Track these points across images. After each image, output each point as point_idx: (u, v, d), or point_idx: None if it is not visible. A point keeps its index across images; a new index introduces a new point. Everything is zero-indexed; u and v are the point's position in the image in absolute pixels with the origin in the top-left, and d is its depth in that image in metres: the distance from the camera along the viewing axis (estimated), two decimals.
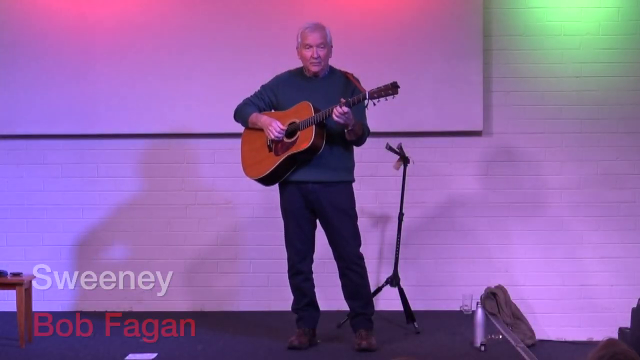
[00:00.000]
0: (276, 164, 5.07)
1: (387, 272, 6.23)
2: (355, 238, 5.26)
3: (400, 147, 6.09)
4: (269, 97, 5.26)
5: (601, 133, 6.74)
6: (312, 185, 5.12)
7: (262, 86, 5.33)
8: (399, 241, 6.09)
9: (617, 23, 6.71)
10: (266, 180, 5.22)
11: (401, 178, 6.12)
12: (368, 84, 6.67)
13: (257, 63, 6.45)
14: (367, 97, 4.88)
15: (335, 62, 6.38)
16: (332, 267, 6.44)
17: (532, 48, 6.71)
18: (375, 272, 6.65)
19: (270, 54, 6.43)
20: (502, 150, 6.74)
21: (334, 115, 4.85)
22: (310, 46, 5.11)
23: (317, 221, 5.29)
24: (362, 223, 6.68)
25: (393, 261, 6.08)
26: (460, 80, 6.62)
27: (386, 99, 4.88)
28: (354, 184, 5.34)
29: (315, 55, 5.10)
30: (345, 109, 4.84)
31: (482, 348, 5.33)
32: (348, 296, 5.33)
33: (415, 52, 6.64)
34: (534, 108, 6.74)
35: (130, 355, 5.20)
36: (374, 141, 6.56)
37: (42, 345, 5.51)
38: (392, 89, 4.83)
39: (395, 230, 6.14)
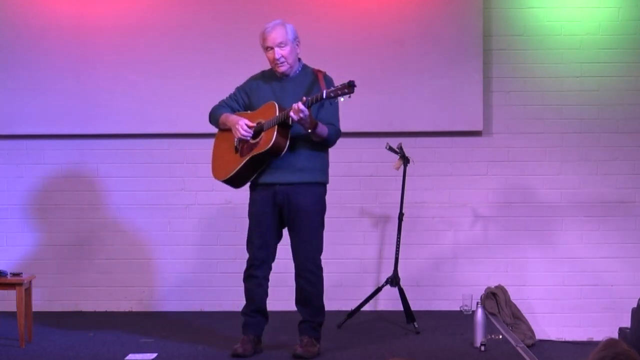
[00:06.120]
0: (240, 166, 5.01)
1: (387, 272, 6.23)
2: (313, 244, 5.08)
3: (400, 147, 6.10)
4: (242, 99, 5.23)
5: (601, 133, 6.74)
6: (279, 187, 5.03)
7: (237, 88, 5.30)
8: (399, 241, 6.09)
9: (617, 23, 6.71)
10: (233, 182, 5.14)
11: (401, 178, 6.12)
12: (369, 85, 6.70)
13: (257, 63, 6.42)
14: (324, 96, 4.74)
15: (335, 61, 6.39)
16: (332, 267, 6.46)
17: (532, 48, 6.72)
18: (376, 272, 6.66)
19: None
20: (502, 150, 6.75)
21: (291, 113, 4.76)
22: (271, 48, 5.02)
23: (283, 232, 5.17)
24: (362, 223, 6.73)
25: (393, 261, 6.08)
26: (460, 80, 6.62)
27: (342, 99, 4.76)
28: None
29: (277, 57, 5.01)
30: (301, 106, 4.72)
31: (482, 348, 5.32)
32: (297, 301, 5.20)
33: (416, 52, 6.65)
34: (534, 108, 6.74)
35: (130, 355, 5.20)
36: (374, 141, 6.59)
37: (42, 345, 5.51)
38: (347, 87, 4.68)
39: (395, 230, 6.14)
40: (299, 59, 5.14)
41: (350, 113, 6.57)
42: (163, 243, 6.76)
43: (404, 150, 6.10)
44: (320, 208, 5.13)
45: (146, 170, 6.76)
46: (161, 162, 6.74)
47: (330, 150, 6.63)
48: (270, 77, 5.15)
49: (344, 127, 6.58)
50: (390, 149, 6.10)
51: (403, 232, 6.14)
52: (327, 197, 6.59)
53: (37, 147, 6.77)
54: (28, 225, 6.77)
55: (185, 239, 6.77)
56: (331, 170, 6.64)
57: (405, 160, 6.08)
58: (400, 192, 6.14)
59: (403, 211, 6.15)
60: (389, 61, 6.64)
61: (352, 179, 6.71)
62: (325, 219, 6.56)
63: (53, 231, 6.75)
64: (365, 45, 6.63)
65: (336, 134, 5.08)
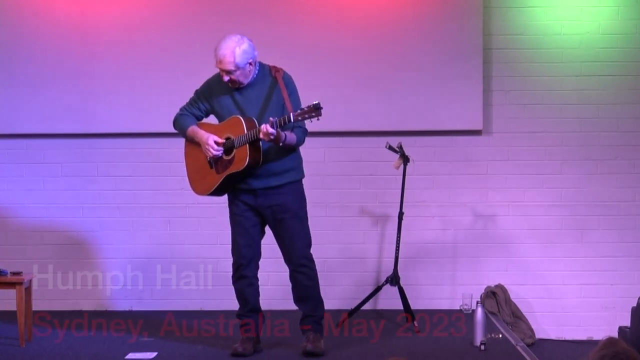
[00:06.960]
0: (218, 183, 5.05)
1: (387, 271, 6.23)
2: (303, 239, 5.13)
3: (400, 146, 6.09)
4: (204, 105, 5.20)
5: (601, 132, 6.74)
6: (259, 191, 5.05)
7: (196, 92, 5.25)
8: (399, 240, 6.09)
9: (617, 22, 6.71)
10: (213, 195, 5.20)
11: (401, 177, 6.12)
12: (369, 84, 6.69)
13: None
14: (292, 119, 4.79)
15: (335, 61, 6.39)
16: (332, 266, 6.46)
17: (531, 47, 6.71)
18: (376, 271, 6.66)
19: (268, 55, 6.42)
20: (502, 149, 6.75)
21: (261, 135, 4.80)
22: (222, 71, 5.01)
23: (265, 229, 5.20)
24: (362, 222, 6.73)
25: (393, 260, 6.08)
26: (460, 79, 6.62)
27: (311, 121, 4.82)
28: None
29: (226, 80, 5.00)
30: (270, 129, 4.75)
31: (482, 347, 5.33)
32: (297, 299, 5.22)
33: (415, 51, 6.64)
34: (533, 107, 6.74)
35: (130, 355, 5.20)
36: (374, 140, 6.58)
37: (42, 344, 5.51)
38: (315, 111, 4.74)
39: (395, 229, 6.14)
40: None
41: (350, 112, 6.59)
42: (163, 242, 6.75)
43: (404, 149, 6.10)
44: (301, 204, 5.16)
45: (146, 169, 6.76)
46: (161, 161, 6.74)
47: (331, 150, 6.69)
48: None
49: (344, 126, 6.62)
50: (390, 148, 6.10)
51: (403, 231, 6.14)
52: (326, 196, 6.65)
53: (37, 147, 6.76)
54: (28, 224, 6.77)
55: (185, 239, 6.76)
56: (331, 170, 6.68)
57: (405, 159, 6.08)
58: (400, 191, 6.14)
59: (403, 210, 6.15)
60: (388, 60, 6.63)
61: (352, 178, 6.71)
62: (325, 218, 6.61)
63: (53, 230, 6.75)
64: (365, 45, 6.62)
65: (303, 134, 5.09)
